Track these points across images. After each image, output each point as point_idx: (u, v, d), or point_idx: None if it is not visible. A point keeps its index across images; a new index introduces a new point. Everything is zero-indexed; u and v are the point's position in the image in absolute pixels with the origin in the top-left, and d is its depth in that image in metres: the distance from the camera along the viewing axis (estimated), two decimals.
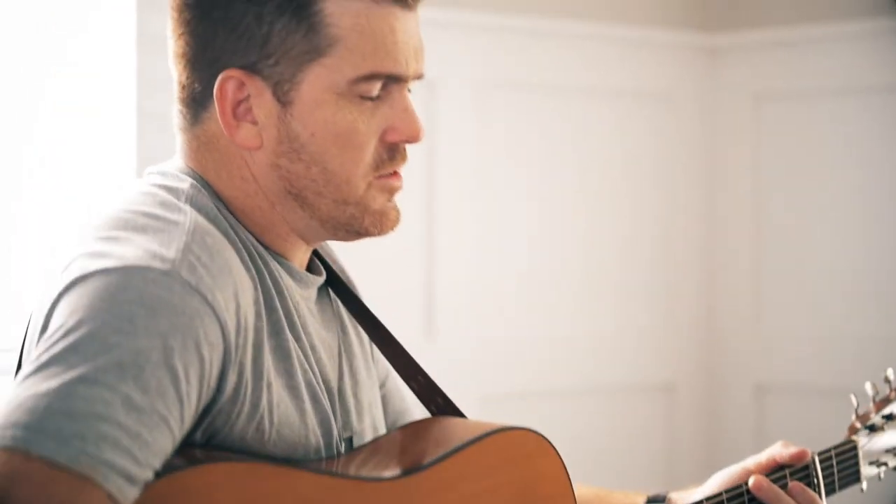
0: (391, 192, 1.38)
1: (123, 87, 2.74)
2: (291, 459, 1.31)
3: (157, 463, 1.14)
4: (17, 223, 2.73)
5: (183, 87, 1.37)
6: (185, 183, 1.34)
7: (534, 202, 3.44)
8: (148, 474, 1.12)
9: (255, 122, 1.34)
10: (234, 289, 1.24)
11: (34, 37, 2.71)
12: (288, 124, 1.33)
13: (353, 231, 1.38)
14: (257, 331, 1.28)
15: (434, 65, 3.32)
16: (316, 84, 1.33)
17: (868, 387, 1.76)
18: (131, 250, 1.21)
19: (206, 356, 1.19)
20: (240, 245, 1.32)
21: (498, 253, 3.38)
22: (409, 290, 3.25)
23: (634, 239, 3.60)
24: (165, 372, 1.15)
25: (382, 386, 1.59)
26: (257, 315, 1.29)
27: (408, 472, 1.32)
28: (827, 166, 3.51)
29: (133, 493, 1.10)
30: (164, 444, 1.14)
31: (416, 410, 1.61)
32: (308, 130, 1.33)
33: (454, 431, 1.42)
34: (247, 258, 1.32)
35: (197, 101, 1.36)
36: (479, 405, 3.27)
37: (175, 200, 1.31)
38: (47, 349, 1.15)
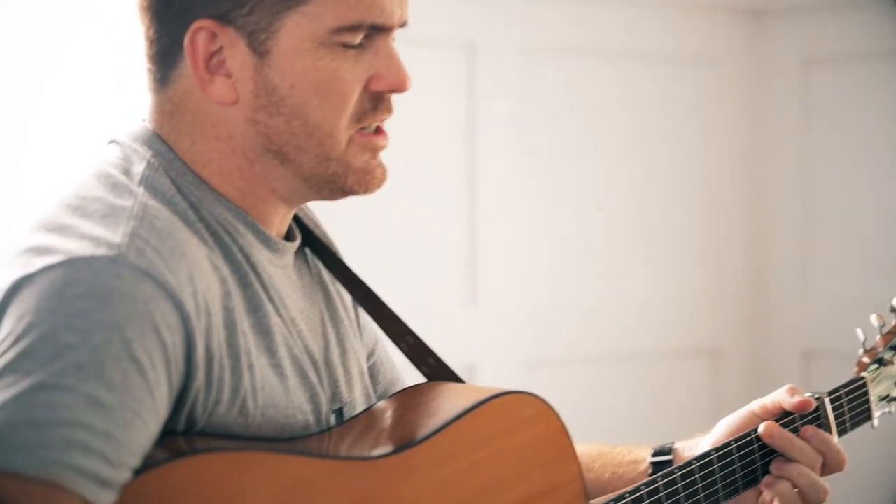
0: (374, 150, 1.32)
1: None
2: (279, 441, 1.26)
3: (135, 461, 1.10)
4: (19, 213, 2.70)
5: (151, 43, 1.30)
6: (143, 162, 1.28)
7: (577, 168, 3.42)
8: (124, 474, 1.09)
9: (229, 76, 1.28)
10: (188, 272, 1.18)
11: (38, 28, 2.67)
12: (265, 76, 1.27)
13: (337, 189, 1.32)
14: (228, 311, 1.23)
15: (476, 29, 3.32)
16: (295, 33, 1.26)
17: (873, 319, 1.67)
18: (75, 241, 1.16)
19: (167, 340, 1.15)
20: (200, 225, 1.26)
21: (541, 218, 3.37)
22: (452, 256, 3.25)
23: (681, 204, 3.58)
24: (129, 364, 1.11)
25: (372, 354, 1.53)
26: (226, 295, 1.23)
27: (403, 447, 1.27)
28: (878, 132, 3.46)
29: (109, 496, 1.08)
30: (139, 439, 1.11)
31: (407, 378, 1.56)
32: (287, 82, 1.27)
33: (449, 400, 1.37)
34: (209, 238, 1.26)
35: (167, 57, 1.29)
36: (522, 370, 3.27)
37: (127, 182, 1.24)
38: None
